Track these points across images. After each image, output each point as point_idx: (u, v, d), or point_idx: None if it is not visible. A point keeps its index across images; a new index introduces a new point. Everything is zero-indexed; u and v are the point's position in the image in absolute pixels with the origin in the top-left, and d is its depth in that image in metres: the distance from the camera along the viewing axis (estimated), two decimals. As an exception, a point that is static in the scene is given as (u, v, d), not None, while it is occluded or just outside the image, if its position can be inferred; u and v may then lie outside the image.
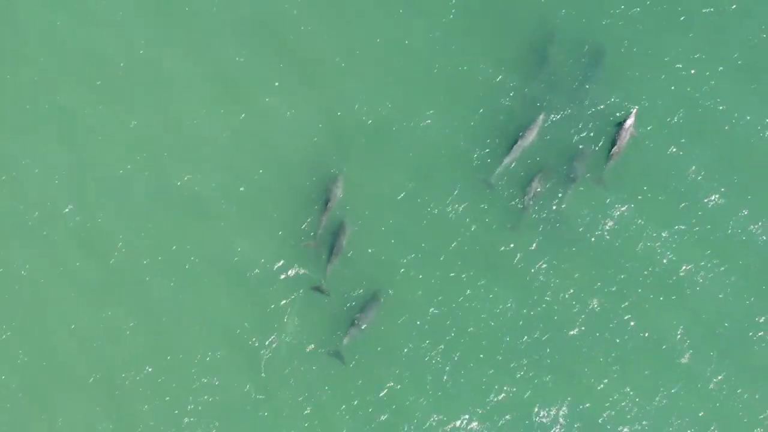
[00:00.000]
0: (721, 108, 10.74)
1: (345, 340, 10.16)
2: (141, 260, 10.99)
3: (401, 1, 11.61)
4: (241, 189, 11.09)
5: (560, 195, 10.62)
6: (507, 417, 9.87)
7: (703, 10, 11.02)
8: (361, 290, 10.49)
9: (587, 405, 9.89)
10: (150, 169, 11.31)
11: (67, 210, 11.18)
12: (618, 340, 10.11)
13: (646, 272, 10.30)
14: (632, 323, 10.15)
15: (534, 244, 10.47)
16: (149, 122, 11.54)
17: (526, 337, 10.18)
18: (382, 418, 9.98)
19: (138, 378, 10.55)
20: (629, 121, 10.60)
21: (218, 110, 11.47)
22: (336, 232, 10.63)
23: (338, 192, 10.77)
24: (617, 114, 10.78)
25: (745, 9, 11.01)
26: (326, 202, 10.69)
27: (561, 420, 9.81)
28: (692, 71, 10.87)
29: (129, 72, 11.68)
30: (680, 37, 11.00)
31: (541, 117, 10.77)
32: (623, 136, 10.58)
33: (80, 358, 10.83)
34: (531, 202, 10.55)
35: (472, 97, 11.11)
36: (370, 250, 10.72)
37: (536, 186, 10.54)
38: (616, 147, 10.54)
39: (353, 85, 11.34)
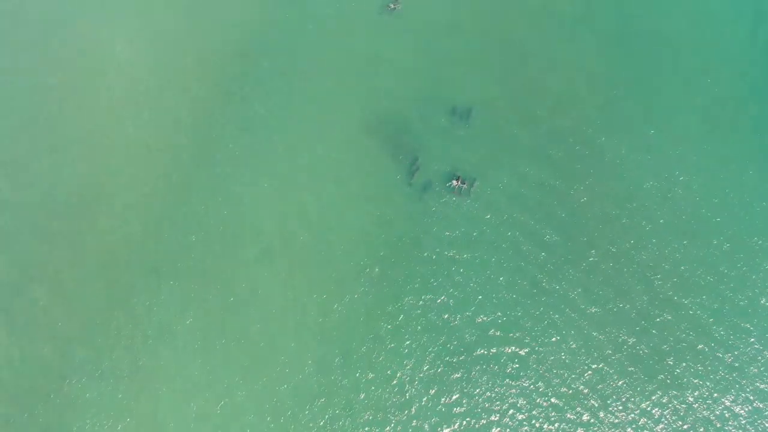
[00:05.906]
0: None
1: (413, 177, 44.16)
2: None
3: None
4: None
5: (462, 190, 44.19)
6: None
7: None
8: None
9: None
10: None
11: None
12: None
13: (488, 217, 43.81)
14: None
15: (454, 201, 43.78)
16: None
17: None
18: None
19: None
20: (477, 182, 44.35)
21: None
22: (415, 170, 43.56)
23: (419, 161, 43.98)
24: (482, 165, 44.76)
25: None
26: (415, 160, 44.19)
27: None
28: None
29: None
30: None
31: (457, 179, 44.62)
32: (474, 185, 44.24)
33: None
34: (453, 190, 43.78)
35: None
36: (423, 179, 43.72)
37: (457, 184, 43.74)
38: (473, 187, 44.14)
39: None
